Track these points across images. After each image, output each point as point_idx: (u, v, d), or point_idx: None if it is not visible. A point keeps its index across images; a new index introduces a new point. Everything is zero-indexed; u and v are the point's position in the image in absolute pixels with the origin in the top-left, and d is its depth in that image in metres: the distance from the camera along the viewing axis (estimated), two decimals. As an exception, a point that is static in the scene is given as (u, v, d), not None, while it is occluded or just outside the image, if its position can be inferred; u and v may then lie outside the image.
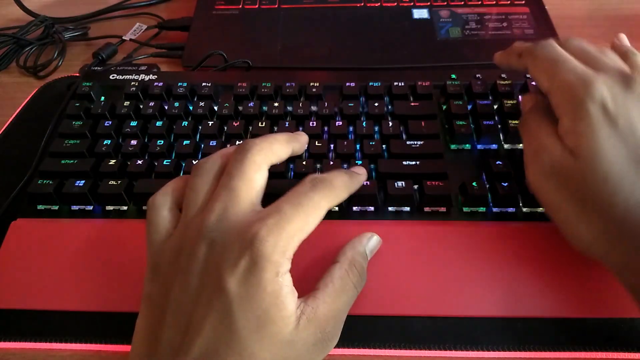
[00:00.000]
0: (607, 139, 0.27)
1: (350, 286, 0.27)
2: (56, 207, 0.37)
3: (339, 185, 0.28)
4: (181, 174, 0.37)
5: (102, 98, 0.44)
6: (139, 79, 0.45)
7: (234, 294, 0.23)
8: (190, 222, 0.26)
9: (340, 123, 0.40)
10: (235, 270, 0.23)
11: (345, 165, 0.37)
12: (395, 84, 0.43)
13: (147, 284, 0.27)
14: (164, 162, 0.37)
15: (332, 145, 0.39)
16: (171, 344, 0.23)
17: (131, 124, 0.40)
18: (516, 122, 0.39)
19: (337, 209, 0.35)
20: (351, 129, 0.40)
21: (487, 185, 0.36)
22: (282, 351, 0.23)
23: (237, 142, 0.38)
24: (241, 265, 0.23)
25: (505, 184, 0.35)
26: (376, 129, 0.40)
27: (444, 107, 0.42)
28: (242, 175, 0.27)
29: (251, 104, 0.42)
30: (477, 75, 0.44)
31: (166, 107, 0.42)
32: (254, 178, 0.27)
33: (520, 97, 0.39)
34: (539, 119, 0.31)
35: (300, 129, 0.40)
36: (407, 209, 0.35)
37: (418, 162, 0.36)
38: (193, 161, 0.37)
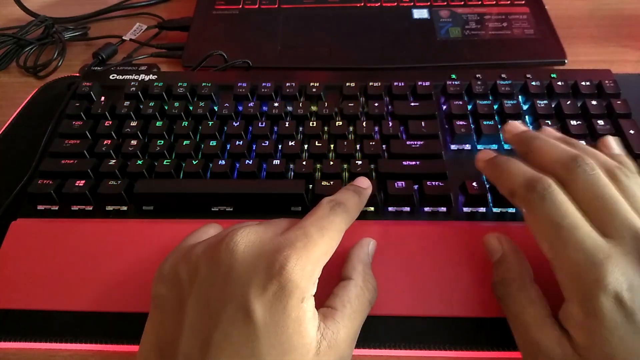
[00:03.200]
0: (622, 341, 0.22)
1: (366, 304, 0.27)
2: (56, 207, 0.37)
3: (353, 208, 0.29)
4: (181, 175, 0.37)
5: (102, 98, 0.44)
6: (139, 79, 0.45)
7: (260, 319, 0.22)
8: (219, 234, 0.26)
9: (340, 123, 0.40)
10: (264, 295, 0.22)
11: (345, 166, 0.37)
12: (395, 84, 0.43)
13: (158, 285, 0.26)
14: (164, 162, 0.37)
15: (332, 145, 0.39)
16: (189, 358, 0.23)
17: (131, 124, 0.40)
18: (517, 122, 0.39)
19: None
20: (351, 129, 0.40)
21: (487, 185, 0.36)
22: None
23: (237, 143, 0.39)
24: (270, 290, 0.22)
25: (505, 184, 0.35)
26: (376, 129, 0.40)
27: (444, 107, 0.42)
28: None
29: (251, 104, 0.42)
30: (477, 75, 0.44)
31: (166, 107, 0.42)
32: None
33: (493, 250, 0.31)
34: (527, 298, 0.27)
35: (300, 128, 0.40)
36: (407, 209, 0.35)
37: (418, 162, 0.36)
38: (193, 161, 0.37)
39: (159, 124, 0.40)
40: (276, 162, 0.37)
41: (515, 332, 0.27)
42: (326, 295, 0.27)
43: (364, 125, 0.39)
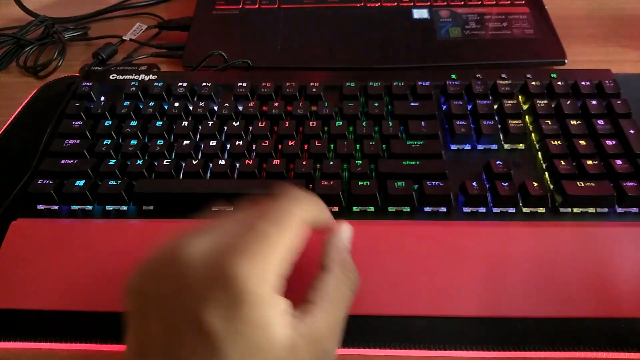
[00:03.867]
0: None
1: (347, 294, 0.26)
2: (56, 207, 0.37)
3: (307, 195, 0.27)
4: (181, 175, 0.37)
5: (102, 98, 0.44)
6: (139, 79, 0.45)
7: (218, 333, 0.21)
8: (168, 245, 0.25)
9: (340, 123, 0.40)
10: (216, 309, 0.21)
11: (345, 166, 0.37)
12: (395, 84, 0.43)
13: (127, 304, 0.24)
14: (164, 162, 0.37)
15: (332, 145, 0.39)
16: None
17: (131, 124, 0.40)
18: (517, 122, 0.39)
19: (337, 209, 0.35)
20: (351, 129, 0.40)
21: (487, 185, 0.36)
22: None
23: (237, 142, 0.38)
24: (221, 302, 0.21)
25: (505, 184, 0.35)
26: (376, 129, 0.40)
27: (444, 107, 0.42)
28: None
29: (251, 104, 0.42)
30: (477, 75, 0.44)
31: (166, 107, 0.42)
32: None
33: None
34: None
35: (300, 128, 0.40)
36: (407, 209, 0.35)
37: (418, 162, 0.36)
38: (193, 161, 0.37)
39: (159, 123, 0.40)
40: (276, 162, 0.37)
41: None
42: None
43: (364, 125, 0.39)
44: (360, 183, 0.35)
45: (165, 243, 0.25)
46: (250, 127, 0.40)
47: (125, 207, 0.36)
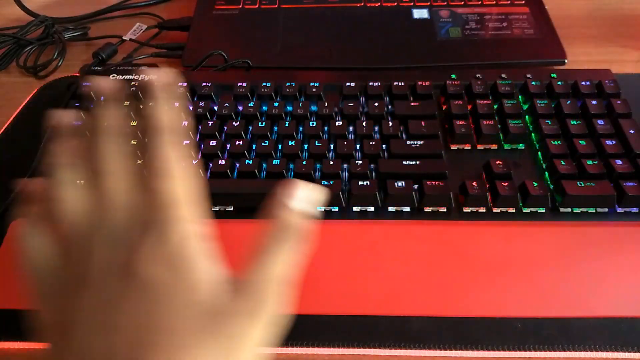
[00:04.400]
0: None
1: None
2: (56, 207, 0.36)
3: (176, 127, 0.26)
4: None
5: (102, 98, 0.44)
6: (139, 79, 0.45)
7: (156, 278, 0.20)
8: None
9: (340, 123, 0.40)
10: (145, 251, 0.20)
11: (345, 166, 0.37)
12: (395, 84, 0.43)
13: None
14: (164, 162, 0.37)
15: (332, 145, 0.39)
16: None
17: (131, 124, 0.40)
18: (517, 122, 0.39)
19: (337, 208, 0.35)
20: (351, 129, 0.40)
21: (487, 185, 0.36)
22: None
23: (237, 142, 0.38)
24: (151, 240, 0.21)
25: (505, 184, 0.35)
26: (376, 129, 0.40)
27: (444, 107, 0.42)
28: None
29: (251, 104, 0.42)
30: (477, 75, 0.44)
31: (166, 107, 0.42)
32: None
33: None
34: None
35: (300, 128, 0.40)
36: (407, 209, 0.35)
37: (418, 162, 0.36)
38: (193, 161, 0.37)
39: (159, 124, 0.40)
40: (276, 162, 0.37)
41: None
42: None
43: (364, 125, 0.39)
44: (360, 183, 0.35)
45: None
46: (250, 127, 0.40)
47: (125, 207, 0.36)
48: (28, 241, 0.25)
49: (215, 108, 0.42)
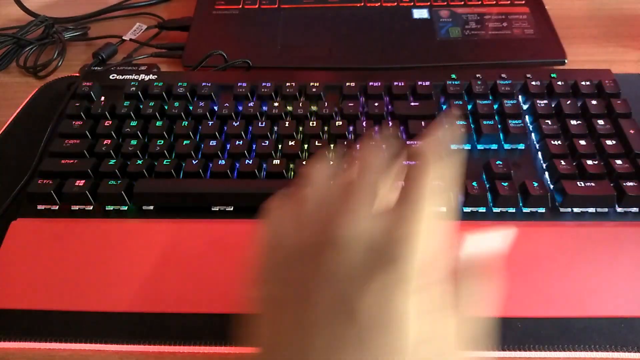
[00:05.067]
0: None
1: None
2: (56, 207, 0.37)
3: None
4: (181, 175, 0.37)
5: (102, 98, 0.44)
6: (139, 79, 0.45)
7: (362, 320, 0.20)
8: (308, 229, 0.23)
9: (340, 123, 0.40)
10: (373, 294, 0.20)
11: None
12: (395, 84, 0.43)
13: (268, 286, 0.23)
14: (164, 162, 0.37)
15: (332, 145, 0.39)
16: None
17: (131, 124, 0.40)
18: (517, 122, 0.39)
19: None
20: (351, 129, 0.40)
21: (487, 185, 0.36)
22: None
23: (237, 142, 0.38)
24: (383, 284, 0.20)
25: (505, 184, 0.35)
26: (376, 129, 0.40)
27: (444, 107, 0.42)
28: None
29: (251, 104, 0.42)
30: (477, 75, 0.44)
31: (166, 107, 0.42)
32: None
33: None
34: None
35: (300, 128, 0.40)
36: (407, 209, 0.35)
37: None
38: (193, 161, 0.37)
39: (158, 123, 0.40)
40: (276, 161, 0.37)
41: None
42: None
43: (364, 125, 0.39)
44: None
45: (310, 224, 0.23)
46: (250, 127, 0.40)
47: (125, 207, 0.36)
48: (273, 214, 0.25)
49: (215, 108, 0.42)
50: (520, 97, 0.42)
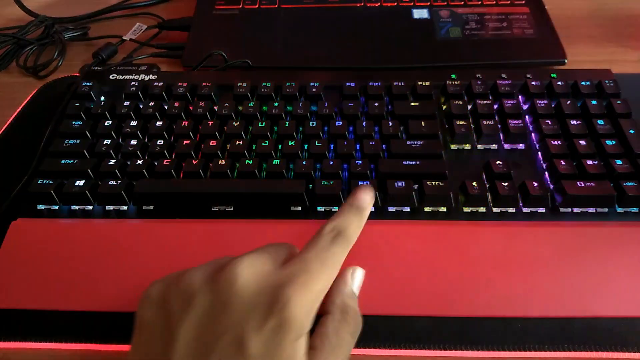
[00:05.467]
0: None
1: (347, 338, 0.26)
2: (56, 207, 0.37)
3: (354, 233, 0.28)
4: (181, 175, 0.37)
5: (102, 98, 0.44)
6: (139, 79, 0.45)
7: (254, 353, 0.22)
8: (216, 264, 0.26)
9: (340, 123, 0.40)
10: (261, 330, 0.22)
11: (345, 166, 0.37)
12: (395, 84, 0.43)
13: (145, 309, 0.25)
14: (164, 162, 0.37)
15: (332, 145, 0.39)
16: None
17: (131, 124, 0.40)
18: (517, 121, 0.39)
19: (337, 208, 0.35)
20: (351, 129, 0.40)
21: (487, 185, 0.36)
22: None
23: (237, 143, 0.39)
24: (268, 325, 0.22)
25: (505, 184, 0.35)
26: (376, 129, 0.40)
27: (444, 107, 0.42)
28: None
29: (251, 104, 0.42)
30: (477, 75, 0.44)
31: (166, 107, 0.42)
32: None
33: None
34: None
35: (300, 128, 0.40)
36: (407, 209, 0.35)
37: (418, 162, 0.36)
38: (193, 161, 0.37)
39: (159, 123, 0.40)
40: (276, 162, 0.37)
41: None
42: None
43: (364, 125, 0.39)
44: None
45: (212, 261, 0.26)
46: (250, 127, 0.40)
47: (125, 207, 0.36)
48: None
49: (215, 108, 0.42)
50: (520, 97, 0.42)
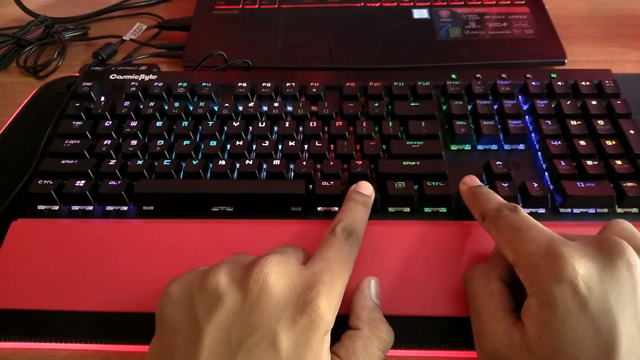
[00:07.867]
0: (573, 332, 0.23)
1: (377, 353, 0.27)
2: (56, 207, 0.37)
3: (363, 230, 0.30)
4: (181, 175, 0.37)
5: (102, 98, 0.44)
6: (139, 79, 0.45)
7: (285, 350, 0.23)
8: (238, 261, 0.26)
9: (340, 123, 0.40)
10: (293, 328, 0.23)
11: (345, 166, 0.37)
12: (395, 84, 0.43)
13: (169, 308, 0.25)
14: (164, 162, 0.37)
15: (332, 145, 0.39)
16: None
17: (131, 124, 0.40)
18: (517, 122, 0.39)
19: (337, 208, 0.35)
20: (351, 129, 0.40)
21: (487, 186, 0.36)
22: None
23: (237, 143, 0.39)
24: (299, 323, 0.23)
25: (505, 184, 0.35)
26: (376, 129, 0.40)
27: (444, 107, 0.42)
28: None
29: (251, 104, 0.42)
30: (477, 75, 0.44)
31: (166, 107, 0.42)
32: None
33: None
34: (485, 290, 0.28)
35: (300, 128, 0.40)
36: (407, 209, 0.35)
37: (418, 162, 0.36)
38: (193, 161, 0.37)
39: (159, 124, 0.40)
40: (276, 162, 0.37)
41: (471, 322, 0.29)
42: None
43: (364, 125, 0.39)
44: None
45: (249, 261, 0.26)
46: (250, 127, 0.40)
47: (125, 207, 0.36)
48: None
49: (215, 108, 0.42)
50: (520, 97, 0.42)
